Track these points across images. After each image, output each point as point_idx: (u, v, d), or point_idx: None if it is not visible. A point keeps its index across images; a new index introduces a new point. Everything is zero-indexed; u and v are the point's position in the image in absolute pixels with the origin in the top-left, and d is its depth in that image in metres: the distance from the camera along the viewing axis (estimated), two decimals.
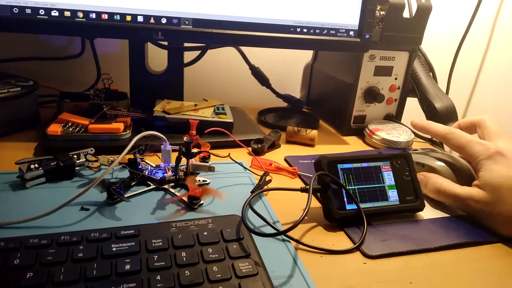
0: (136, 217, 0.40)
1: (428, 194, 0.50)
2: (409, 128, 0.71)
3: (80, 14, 0.52)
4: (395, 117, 0.76)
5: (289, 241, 0.39)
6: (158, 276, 0.31)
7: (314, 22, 0.61)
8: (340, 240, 0.41)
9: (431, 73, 0.79)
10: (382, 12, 0.68)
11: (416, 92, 0.76)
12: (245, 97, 0.91)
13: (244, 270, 0.33)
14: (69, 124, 0.55)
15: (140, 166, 0.47)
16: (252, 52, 0.79)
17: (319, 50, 0.84)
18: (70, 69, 0.77)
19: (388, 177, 0.46)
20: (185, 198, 0.43)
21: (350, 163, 0.45)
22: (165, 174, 0.46)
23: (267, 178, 0.50)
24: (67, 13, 0.52)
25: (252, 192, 0.47)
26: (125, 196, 0.43)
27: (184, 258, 0.33)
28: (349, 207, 0.43)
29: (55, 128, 0.53)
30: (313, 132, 0.66)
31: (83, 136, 0.54)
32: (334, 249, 0.39)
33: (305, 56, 0.92)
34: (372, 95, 0.72)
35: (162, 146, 0.47)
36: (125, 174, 0.47)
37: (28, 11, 0.50)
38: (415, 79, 0.76)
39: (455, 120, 0.72)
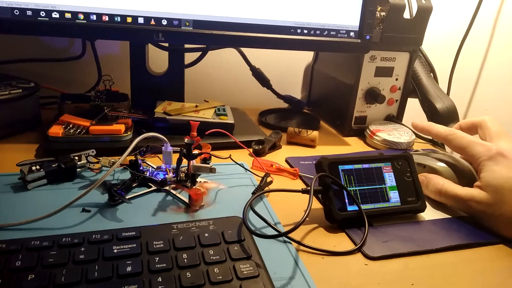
0: (137, 218, 0.40)
1: (429, 195, 0.50)
2: (410, 129, 0.71)
3: (81, 16, 0.52)
4: (396, 118, 0.76)
5: (290, 243, 0.39)
6: (160, 278, 0.31)
7: (315, 23, 0.61)
8: (341, 241, 0.41)
9: (432, 74, 0.78)
10: (382, 13, 0.68)
11: (417, 93, 0.76)
12: (246, 98, 0.91)
13: (245, 272, 0.33)
14: (70, 126, 0.55)
15: (141, 168, 0.47)
16: (252, 53, 0.79)
17: (320, 51, 0.84)
18: (71, 71, 0.78)
19: (389, 178, 0.46)
20: (186, 200, 0.43)
21: (351, 164, 0.45)
22: (166, 176, 0.46)
23: (268, 179, 0.50)
24: (68, 15, 0.52)
25: (253, 193, 0.47)
26: (126, 197, 0.43)
27: (185, 260, 0.33)
28: (350, 208, 0.43)
29: (56, 130, 0.53)
30: (314, 133, 0.66)
31: (84, 137, 0.54)
32: (335, 250, 0.39)
33: (306, 57, 0.92)
34: (373, 96, 0.72)
35: (163, 147, 0.47)
36: (126, 175, 0.47)
37: (29, 13, 0.50)
38: (416, 79, 0.76)
39: (456, 120, 0.72)
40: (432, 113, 0.74)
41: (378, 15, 0.68)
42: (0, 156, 0.52)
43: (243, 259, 0.34)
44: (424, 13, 0.69)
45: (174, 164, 0.47)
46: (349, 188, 0.44)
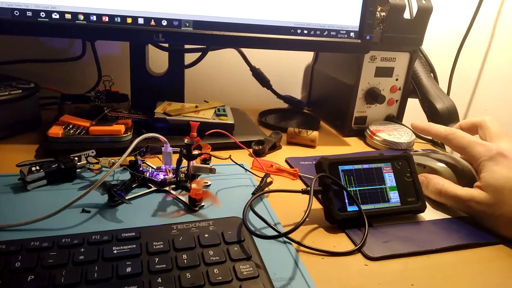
0: (137, 219, 0.40)
1: (429, 195, 0.50)
2: (410, 129, 0.70)
3: (81, 17, 0.52)
4: (396, 118, 0.76)
5: (290, 243, 0.39)
6: (159, 278, 0.31)
7: (315, 24, 0.61)
8: (341, 241, 0.41)
9: (432, 74, 0.78)
10: (382, 13, 0.68)
11: (417, 93, 0.76)
12: (246, 98, 0.91)
13: (245, 272, 0.33)
14: (70, 126, 0.55)
15: (141, 168, 0.47)
16: (253, 54, 0.79)
17: (320, 51, 0.84)
18: (71, 71, 0.78)
19: (389, 179, 0.46)
20: (186, 200, 0.43)
21: (351, 165, 0.45)
22: (166, 176, 0.46)
23: (268, 179, 0.50)
24: (68, 16, 0.52)
25: (253, 194, 0.47)
26: (126, 198, 0.43)
27: (185, 261, 0.33)
28: (350, 208, 0.43)
29: (56, 130, 0.53)
30: (314, 133, 0.66)
31: (84, 138, 0.54)
32: (335, 250, 0.39)
33: (306, 57, 0.92)
34: (373, 96, 0.72)
35: (163, 148, 0.47)
36: (126, 176, 0.47)
37: (29, 13, 0.50)
38: (416, 80, 0.76)
39: (456, 120, 0.72)
40: (432, 113, 0.74)
41: (378, 15, 0.68)
42: (0, 157, 0.52)
43: (243, 260, 0.34)
44: (424, 13, 0.69)
45: (174, 165, 0.47)
46: (349, 189, 0.43)
